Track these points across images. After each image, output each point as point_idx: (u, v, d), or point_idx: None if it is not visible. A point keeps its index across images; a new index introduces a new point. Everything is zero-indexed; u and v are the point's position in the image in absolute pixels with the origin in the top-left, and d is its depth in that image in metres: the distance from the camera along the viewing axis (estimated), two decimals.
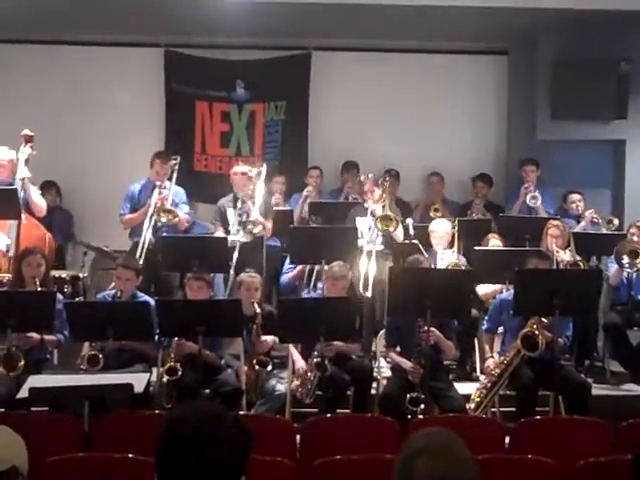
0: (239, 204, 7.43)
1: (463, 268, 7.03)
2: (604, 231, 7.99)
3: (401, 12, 8.16)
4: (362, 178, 7.72)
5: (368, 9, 8.08)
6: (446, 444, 2.07)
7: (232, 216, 7.45)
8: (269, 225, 7.49)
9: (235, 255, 7.04)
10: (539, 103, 8.97)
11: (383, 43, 9.39)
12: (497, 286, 7.02)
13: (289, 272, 7.62)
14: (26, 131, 6.89)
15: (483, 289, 7.16)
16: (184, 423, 1.99)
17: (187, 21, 8.61)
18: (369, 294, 6.98)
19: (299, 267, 7.47)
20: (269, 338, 6.14)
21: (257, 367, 6.02)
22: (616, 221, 8.09)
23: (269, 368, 6.09)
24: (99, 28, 8.96)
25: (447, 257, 7.30)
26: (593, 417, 5.09)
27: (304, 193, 8.55)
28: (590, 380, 6.28)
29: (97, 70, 9.33)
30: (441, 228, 7.48)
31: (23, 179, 6.80)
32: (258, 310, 6.10)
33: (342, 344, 5.96)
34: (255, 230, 7.23)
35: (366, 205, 7.45)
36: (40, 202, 7.02)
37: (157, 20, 8.64)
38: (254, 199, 7.40)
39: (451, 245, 7.45)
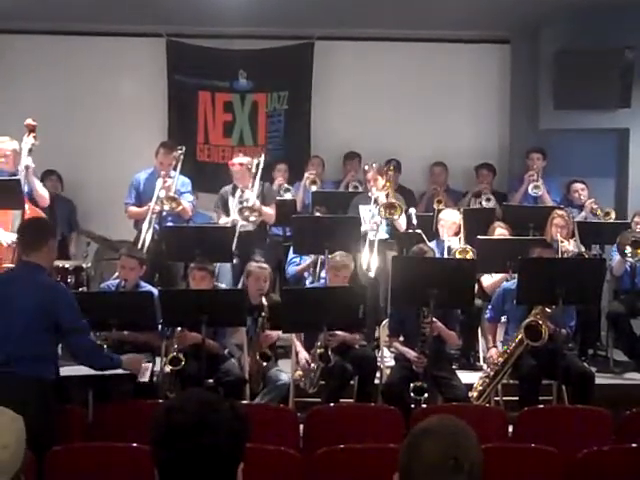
0: (238, 192, 7.45)
1: (470, 253, 7.02)
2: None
3: (403, 1, 8.13)
4: (366, 167, 7.72)
5: None
6: (453, 426, 2.09)
7: (232, 204, 7.46)
8: (271, 211, 7.51)
9: (235, 241, 7.03)
10: (542, 92, 8.94)
11: (385, 32, 9.36)
12: (501, 275, 7.00)
13: (295, 264, 7.62)
14: (29, 121, 6.89)
15: (488, 280, 7.15)
16: (179, 411, 1.99)
17: (189, 11, 8.60)
18: (372, 274, 7.00)
19: (308, 260, 7.47)
20: (273, 333, 6.14)
21: (260, 360, 6.02)
22: (613, 214, 8.05)
23: (272, 362, 6.11)
24: (101, 18, 8.94)
25: (454, 244, 7.32)
26: (596, 406, 5.10)
27: (306, 175, 8.56)
28: (593, 369, 6.30)
29: (99, 60, 9.33)
30: (450, 218, 7.51)
31: (27, 167, 6.81)
32: (265, 303, 6.10)
33: (345, 334, 5.98)
34: (252, 218, 7.24)
35: (370, 194, 7.45)
36: (43, 192, 7.03)
37: (159, 10, 8.62)
38: (253, 188, 7.42)
39: (456, 234, 7.46)
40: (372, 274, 7.03)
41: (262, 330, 6.08)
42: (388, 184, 7.44)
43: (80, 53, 9.32)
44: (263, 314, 6.07)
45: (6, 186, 6.63)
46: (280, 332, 6.11)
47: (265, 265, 6.44)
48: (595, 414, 4.87)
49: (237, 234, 7.12)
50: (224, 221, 7.47)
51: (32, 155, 6.90)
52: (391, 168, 7.72)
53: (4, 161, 6.84)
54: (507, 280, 6.68)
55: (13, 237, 6.38)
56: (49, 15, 8.84)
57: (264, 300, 6.10)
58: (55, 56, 9.32)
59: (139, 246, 7.03)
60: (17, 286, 4.50)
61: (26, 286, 4.47)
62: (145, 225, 7.24)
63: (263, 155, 7.82)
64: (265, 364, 6.00)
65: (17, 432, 2.41)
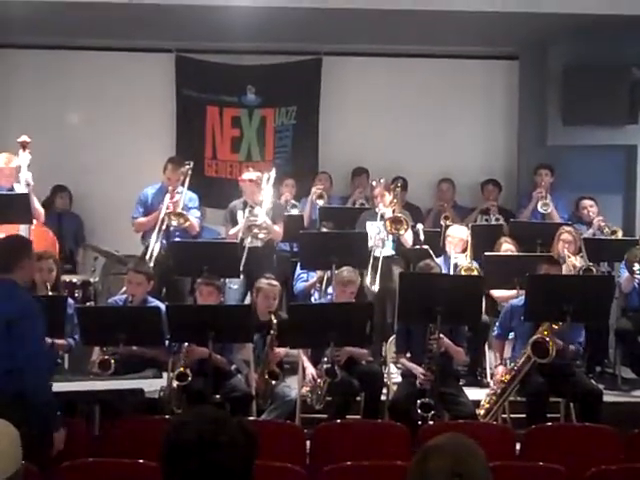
0: (248, 209, 7.45)
1: (476, 272, 7.01)
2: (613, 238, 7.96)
3: (411, 17, 8.15)
4: (373, 183, 7.73)
5: (378, 14, 8.08)
6: (460, 444, 2.10)
7: (241, 219, 7.46)
8: (279, 229, 7.50)
9: (243, 258, 7.02)
10: (550, 108, 8.95)
11: (394, 48, 9.38)
12: (513, 291, 6.97)
13: (303, 280, 7.61)
14: (23, 137, 6.94)
15: (500, 292, 7.13)
16: (187, 428, 2.00)
17: (198, 26, 8.62)
18: (376, 288, 6.98)
19: (316, 276, 7.46)
20: (281, 350, 6.13)
21: (269, 379, 6.01)
22: (620, 233, 8.04)
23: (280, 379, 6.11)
24: (111, 33, 8.98)
25: (460, 261, 7.31)
26: (604, 424, 5.08)
27: (313, 190, 8.56)
28: (601, 387, 6.26)
29: (109, 75, 9.36)
30: (457, 234, 7.51)
31: (28, 184, 6.86)
32: (274, 320, 6.07)
33: (352, 349, 5.97)
34: (261, 235, 7.24)
35: (377, 209, 7.46)
36: (40, 209, 7.10)
37: (168, 25, 8.65)
38: (262, 205, 7.42)
39: (464, 250, 7.45)
40: (376, 288, 7.00)
41: (271, 348, 6.07)
42: (395, 200, 7.45)
43: (88, 68, 9.34)
44: (272, 332, 6.06)
45: (16, 201, 6.68)
46: (287, 348, 6.10)
47: (275, 282, 6.42)
48: (603, 432, 4.85)
49: (246, 251, 7.10)
50: (233, 230, 7.43)
51: (37, 170, 6.95)
52: (398, 186, 7.72)
53: (8, 178, 6.90)
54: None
55: None
56: (59, 30, 8.87)
57: (273, 318, 6.09)
58: (64, 71, 9.35)
59: (146, 260, 7.04)
60: None
61: (1, 300, 4.43)
62: (153, 239, 7.25)
63: (274, 170, 7.82)
64: (274, 382, 6.00)
65: (10, 436, 2.41)
